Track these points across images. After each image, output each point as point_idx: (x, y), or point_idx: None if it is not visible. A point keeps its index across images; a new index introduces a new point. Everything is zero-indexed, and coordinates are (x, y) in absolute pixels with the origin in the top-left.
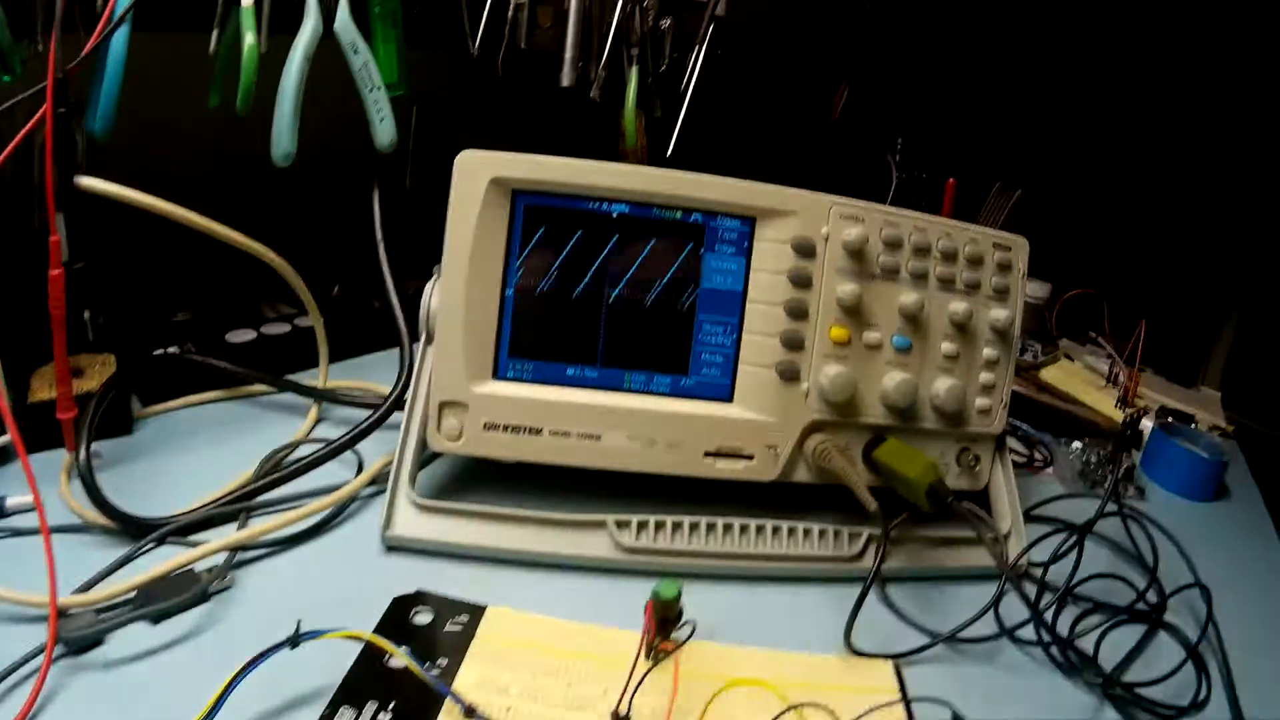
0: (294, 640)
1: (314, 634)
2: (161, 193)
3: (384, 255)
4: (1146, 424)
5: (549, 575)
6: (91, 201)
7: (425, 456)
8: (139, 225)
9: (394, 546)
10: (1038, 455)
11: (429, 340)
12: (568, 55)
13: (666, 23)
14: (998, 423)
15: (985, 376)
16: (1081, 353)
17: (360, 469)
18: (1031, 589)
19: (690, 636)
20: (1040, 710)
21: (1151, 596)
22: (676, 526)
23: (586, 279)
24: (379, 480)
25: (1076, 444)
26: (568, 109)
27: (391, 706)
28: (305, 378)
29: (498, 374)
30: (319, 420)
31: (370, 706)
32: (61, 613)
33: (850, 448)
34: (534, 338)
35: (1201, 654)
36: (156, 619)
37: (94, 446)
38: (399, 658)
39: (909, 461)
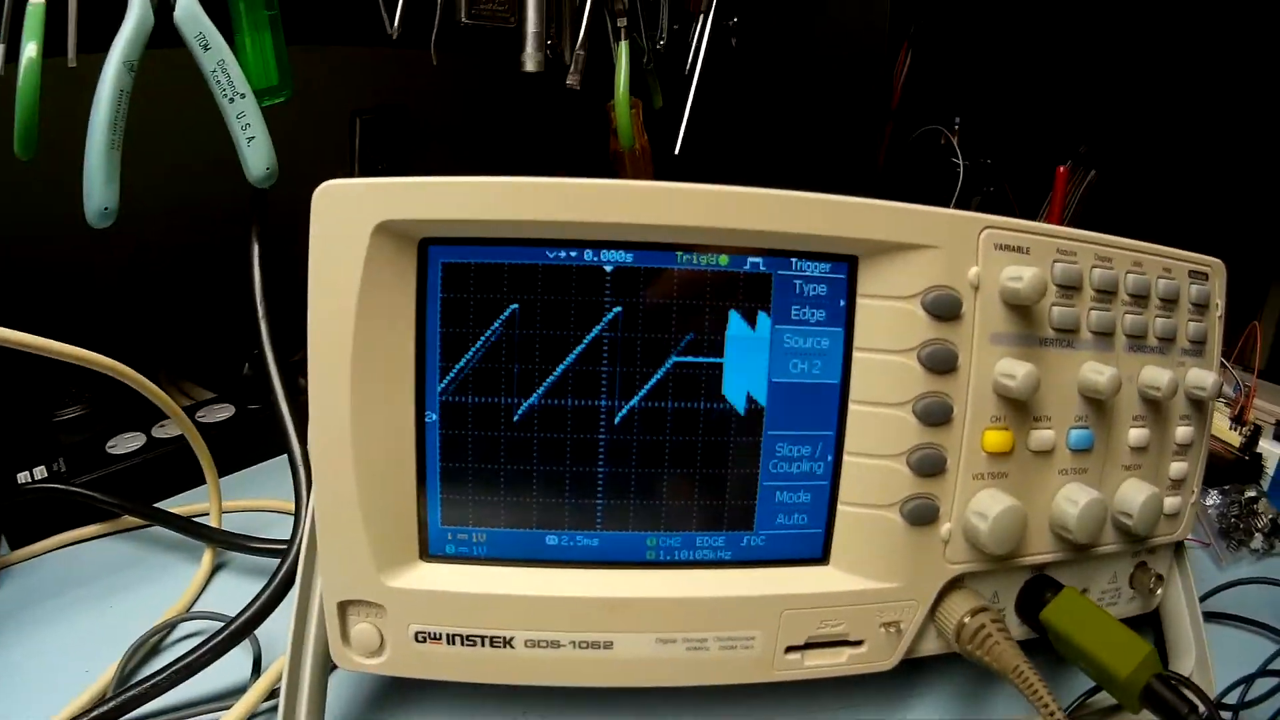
0: None
1: None
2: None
3: (265, 330)
4: (1267, 446)
5: None
6: None
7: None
8: None
9: None
10: None
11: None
12: (530, 30)
13: None
14: (1185, 527)
15: (1176, 467)
16: None
17: (256, 667)
18: None
19: None
20: None
21: None
22: None
23: (569, 385)
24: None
25: (1214, 494)
26: (541, 102)
27: None
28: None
29: (428, 552)
30: (215, 569)
31: None
32: None
33: (999, 596)
34: (483, 491)
35: None
36: None
37: None
38: None
39: (1106, 639)
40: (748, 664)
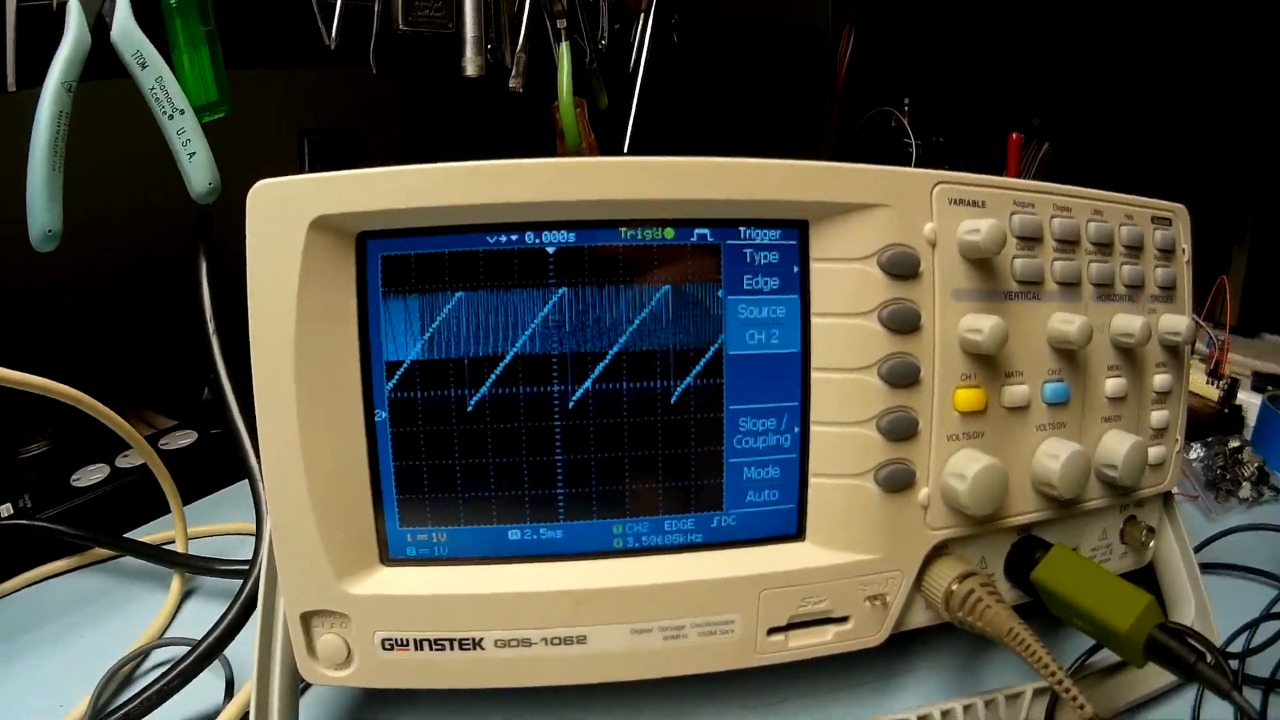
0: None
1: None
2: None
3: (217, 346)
4: (1245, 398)
5: None
6: None
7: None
8: None
9: None
10: None
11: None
12: (468, 35)
13: None
14: (1171, 476)
15: (1157, 416)
16: None
17: (229, 689)
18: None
19: None
20: None
21: None
22: None
23: (519, 372)
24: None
25: (1197, 447)
26: (486, 109)
27: None
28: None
29: (388, 556)
30: (185, 595)
31: None
32: None
33: (987, 560)
34: (440, 488)
35: None
36: None
37: None
38: None
39: (1103, 594)
40: (729, 649)
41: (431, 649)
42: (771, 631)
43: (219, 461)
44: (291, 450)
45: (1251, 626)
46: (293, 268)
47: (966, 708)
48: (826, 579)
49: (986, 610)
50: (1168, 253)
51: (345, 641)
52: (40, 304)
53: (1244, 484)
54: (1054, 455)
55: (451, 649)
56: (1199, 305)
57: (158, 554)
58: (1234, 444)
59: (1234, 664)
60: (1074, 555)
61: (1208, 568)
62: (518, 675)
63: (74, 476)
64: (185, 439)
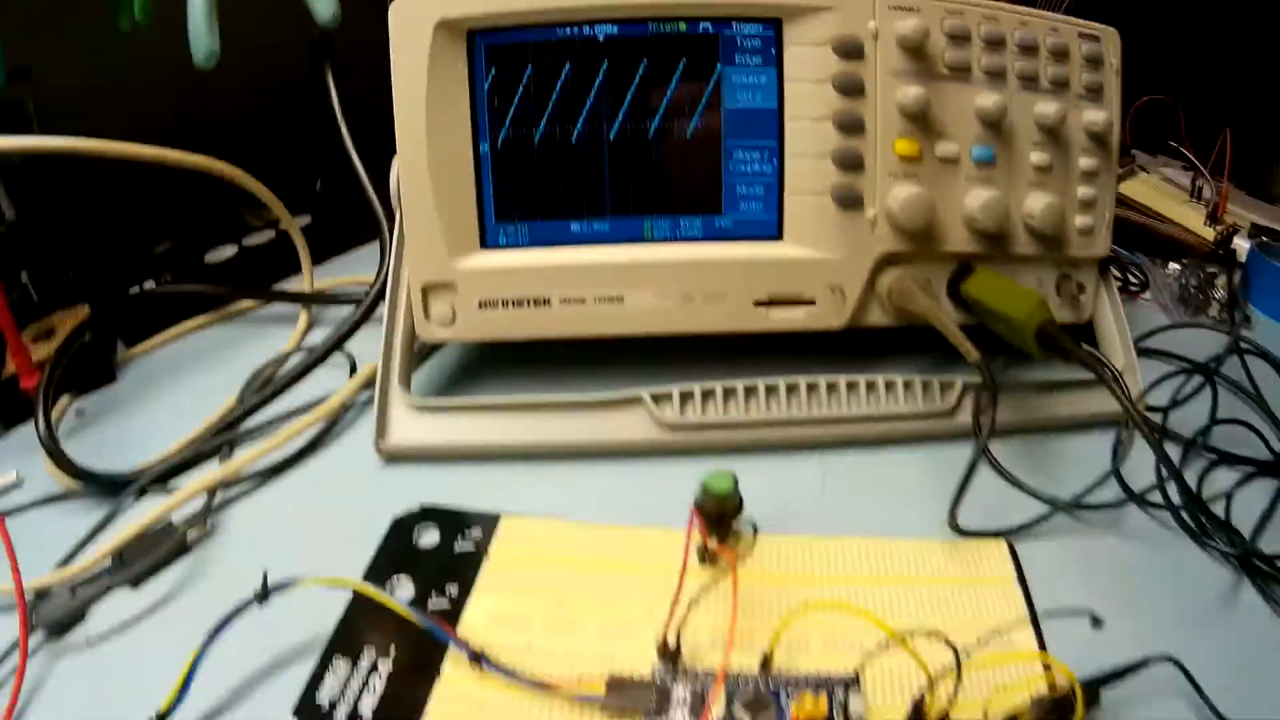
0: (261, 595)
1: (284, 584)
2: (114, 134)
3: (348, 136)
4: (1240, 243)
5: (574, 470)
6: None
7: (422, 352)
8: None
9: (393, 458)
10: (1132, 278)
11: (400, 219)
12: None
13: None
14: (1102, 243)
15: (1084, 191)
16: (1155, 165)
17: (353, 370)
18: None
19: (753, 534)
20: (1168, 587)
21: None
22: (729, 394)
23: (580, 120)
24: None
25: (1174, 265)
26: None
27: (392, 653)
28: (296, 284)
29: (486, 243)
30: (310, 326)
31: (368, 654)
32: (40, 595)
33: (933, 283)
34: (523, 195)
35: None
36: (136, 582)
37: (78, 404)
38: (391, 606)
39: (1009, 296)
40: (725, 314)
41: (514, 307)
42: (757, 304)
43: (330, 241)
44: (422, 174)
45: (1177, 381)
46: (423, 57)
47: (906, 383)
48: (797, 269)
49: (916, 298)
50: (1095, 63)
51: (452, 306)
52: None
53: (1214, 304)
54: (978, 195)
55: (527, 306)
56: (1203, 157)
57: (287, 295)
58: (1212, 269)
59: (1157, 416)
60: (994, 274)
61: (1152, 353)
62: (574, 326)
63: (206, 256)
64: (303, 220)
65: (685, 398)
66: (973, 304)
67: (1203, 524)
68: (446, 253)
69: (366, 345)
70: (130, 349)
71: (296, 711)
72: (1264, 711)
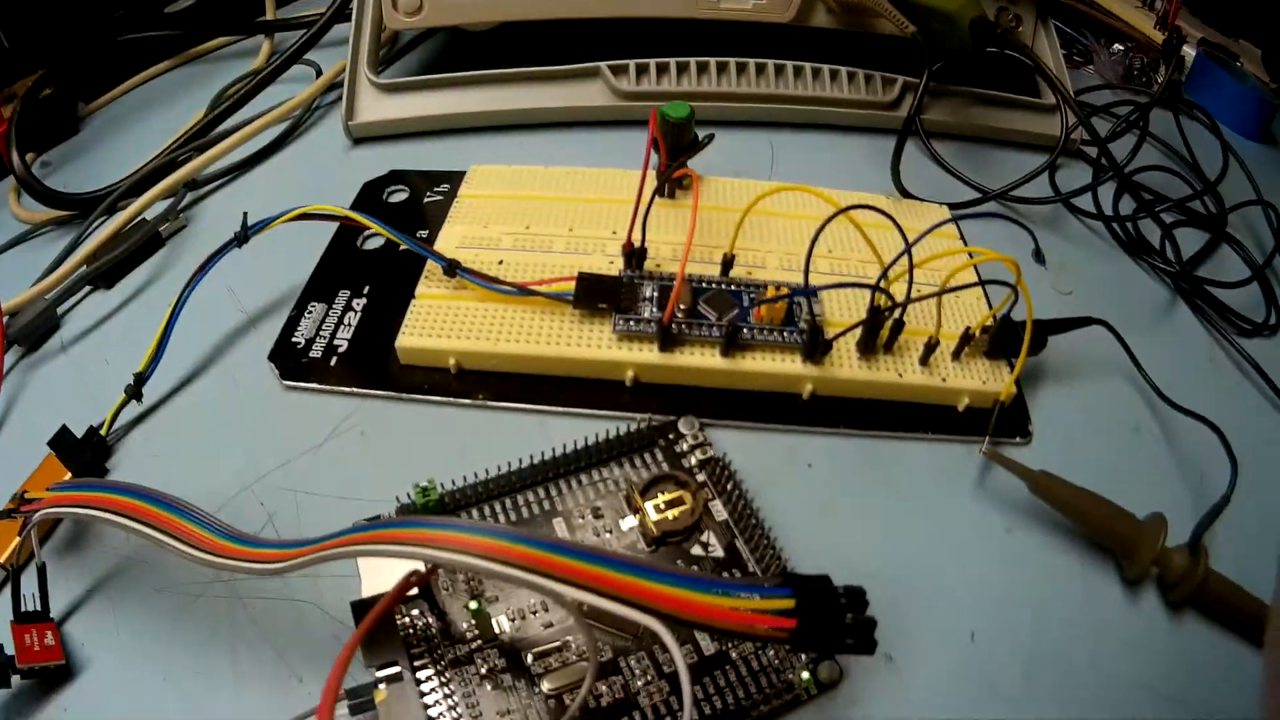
0: (241, 236)
1: (262, 223)
2: None
3: None
4: (1188, 50)
5: (537, 138)
6: None
7: (390, 52)
8: None
9: (362, 137)
10: (1076, 49)
11: None
12: None
13: None
14: None
15: None
16: None
17: (318, 74)
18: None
19: (709, 143)
20: (1110, 285)
21: (1212, 206)
22: (683, 68)
23: None
24: (340, 85)
25: (1118, 45)
26: None
27: (365, 291)
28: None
29: None
30: (274, 54)
31: (342, 296)
32: (11, 314)
33: None
34: None
35: (1269, 277)
36: (110, 281)
37: (43, 158)
38: (375, 230)
39: None
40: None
41: None
42: None
43: None
44: None
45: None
46: None
47: (850, 74)
48: None
49: None
50: None
51: None
52: None
53: (1155, 85)
54: None
55: None
56: None
57: (250, 26)
58: (1156, 57)
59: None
60: None
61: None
62: (536, 7)
63: (166, 8)
64: None
65: (641, 70)
66: (911, 4)
67: (1134, 237)
68: None
69: (329, 57)
70: (91, 104)
71: (271, 355)
72: (1184, 377)
